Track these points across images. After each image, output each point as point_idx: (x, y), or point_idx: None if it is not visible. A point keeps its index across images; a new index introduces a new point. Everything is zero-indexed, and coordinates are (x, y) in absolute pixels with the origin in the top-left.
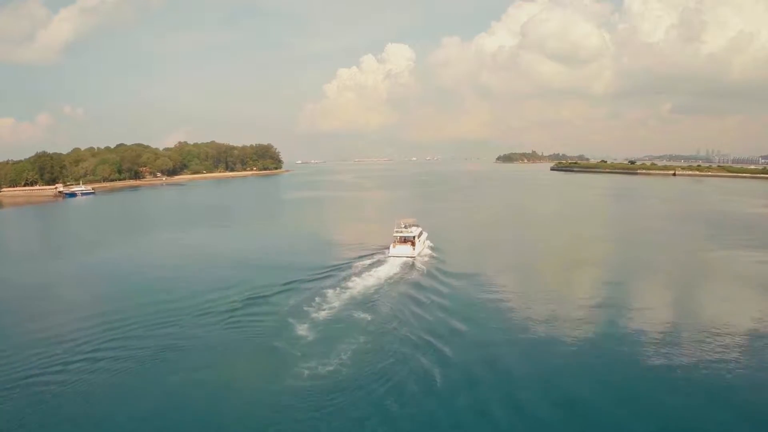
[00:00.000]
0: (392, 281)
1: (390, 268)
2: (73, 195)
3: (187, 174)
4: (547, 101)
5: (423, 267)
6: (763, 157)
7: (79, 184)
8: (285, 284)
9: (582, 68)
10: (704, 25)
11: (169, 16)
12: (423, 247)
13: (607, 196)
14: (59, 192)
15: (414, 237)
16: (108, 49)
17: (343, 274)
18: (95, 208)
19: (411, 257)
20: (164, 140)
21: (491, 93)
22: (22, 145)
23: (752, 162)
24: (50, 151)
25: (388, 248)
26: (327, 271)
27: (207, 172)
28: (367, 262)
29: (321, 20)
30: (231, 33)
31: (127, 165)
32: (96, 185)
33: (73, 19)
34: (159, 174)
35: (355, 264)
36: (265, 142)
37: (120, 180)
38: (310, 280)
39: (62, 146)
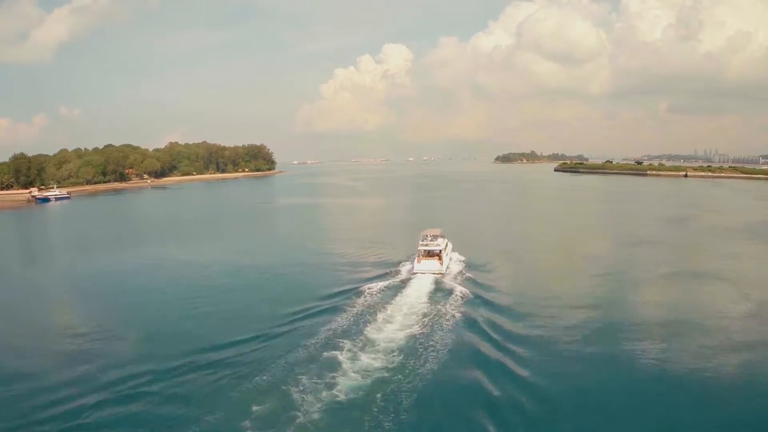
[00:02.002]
0: (426, 304)
1: (417, 287)
2: (46, 200)
3: (176, 176)
4: (544, 101)
5: (457, 285)
6: (763, 157)
7: (53, 188)
8: (289, 319)
9: (579, 68)
10: (701, 25)
11: (166, 16)
12: (450, 261)
13: (639, 201)
14: (32, 196)
15: (440, 250)
16: (103, 49)
17: (362, 300)
18: (64, 215)
19: (439, 273)
20: (160, 141)
21: (488, 93)
22: (19, 146)
23: (752, 162)
24: (45, 152)
25: (412, 263)
26: (340, 298)
27: (197, 174)
28: (388, 281)
29: (319, 20)
30: (227, 33)
31: (112, 167)
32: (78, 188)
33: (67, 18)
34: (146, 176)
35: (374, 284)
36: (261, 143)
37: (104, 182)
38: (318, 312)
39: (58, 147)
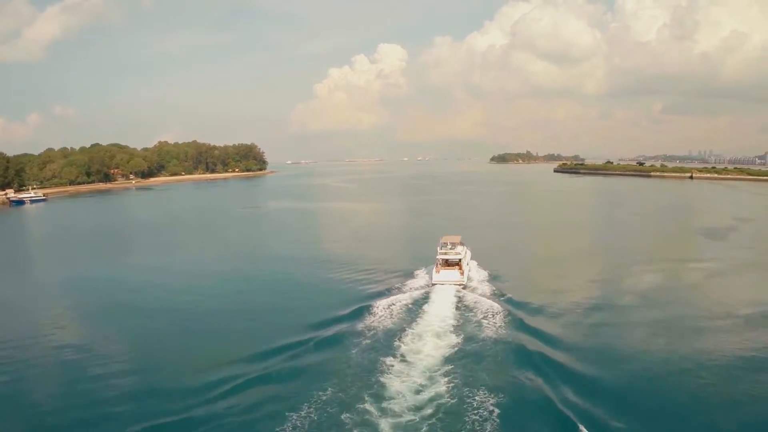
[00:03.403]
0: (454, 321)
1: (439, 301)
2: (20, 202)
3: (164, 176)
4: (539, 101)
5: (483, 299)
6: (759, 158)
7: (28, 189)
8: (289, 354)
9: (574, 68)
10: (697, 25)
11: (159, 16)
12: (469, 270)
13: (662, 207)
14: (7, 199)
15: (460, 259)
16: (97, 48)
17: (377, 320)
18: (35, 219)
19: (460, 284)
20: (155, 141)
21: (483, 93)
22: (13, 146)
23: (748, 162)
24: (36, 152)
25: (429, 274)
26: (349, 322)
27: (186, 174)
28: (402, 296)
29: (314, 20)
30: (222, 33)
31: (96, 167)
32: (59, 189)
33: (60, 17)
34: (132, 176)
35: (386, 300)
36: (255, 142)
37: (88, 183)
38: (326, 340)
39: (52, 147)
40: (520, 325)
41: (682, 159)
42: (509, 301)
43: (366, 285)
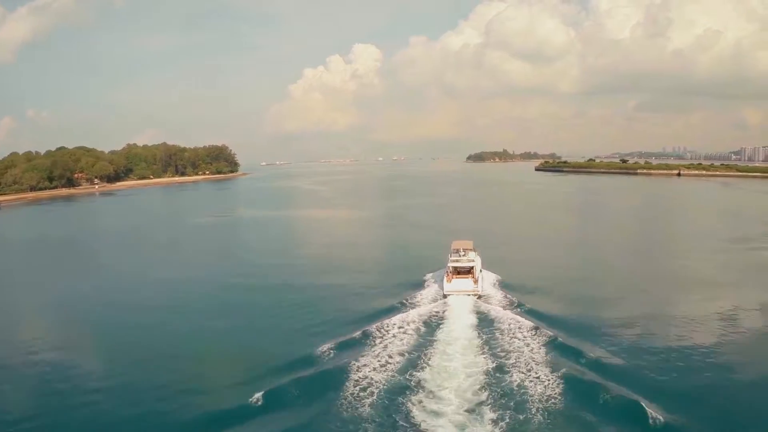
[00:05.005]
0: (478, 338)
1: (454, 314)
2: None
3: (132, 179)
4: (513, 100)
5: (504, 310)
6: (735, 153)
7: None
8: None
9: (548, 66)
10: (670, 23)
11: (132, 17)
12: (482, 278)
13: (667, 206)
14: None
15: (473, 267)
16: (70, 49)
17: (390, 341)
18: None
19: (475, 293)
20: (128, 144)
21: (457, 92)
22: None
23: (724, 158)
24: None
25: (439, 283)
26: (356, 348)
27: (154, 177)
28: (411, 311)
29: (288, 21)
30: (195, 34)
31: (59, 171)
32: (17, 196)
33: (30, 18)
34: (97, 181)
35: (396, 317)
36: (230, 144)
37: (50, 189)
38: (327, 372)
39: (29, 151)
40: (560, 346)
41: (658, 156)
42: (531, 312)
43: (364, 303)
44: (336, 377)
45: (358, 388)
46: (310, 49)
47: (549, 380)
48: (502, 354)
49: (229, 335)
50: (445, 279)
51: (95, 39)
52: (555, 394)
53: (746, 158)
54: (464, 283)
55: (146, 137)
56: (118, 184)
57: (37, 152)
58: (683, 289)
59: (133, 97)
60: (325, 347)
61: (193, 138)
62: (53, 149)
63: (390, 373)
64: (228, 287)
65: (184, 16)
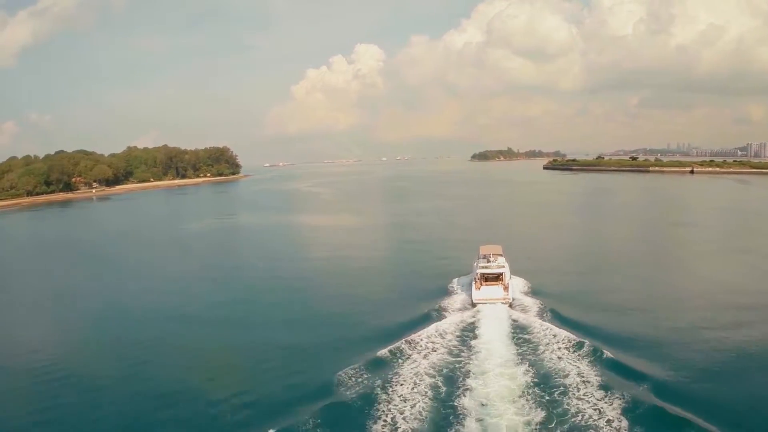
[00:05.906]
0: (517, 352)
1: (485, 325)
2: None
3: (132, 182)
4: (515, 98)
5: (539, 320)
6: (740, 149)
7: None
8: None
9: (550, 64)
10: (673, 19)
11: (132, 20)
12: (511, 286)
13: (705, 206)
14: None
15: (503, 273)
16: (70, 53)
17: (422, 357)
18: None
19: (505, 302)
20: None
21: (460, 91)
22: None
23: (730, 154)
24: None
25: (468, 292)
26: (384, 369)
27: (155, 180)
28: (438, 322)
29: (290, 22)
30: (196, 36)
31: (56, 175)
32: (14, 201)
33: (30, 22)
34: (95, 184)
35: (424, 330)
36: (232, 146)
37: (48, 193)
38: (360, 397)
39: (31, 155)
40: (607, 362)
41: (663, 152)
42: (565, 321)
43: (387, 316)
44: (362, 407)
45: (389, 418)
46: (311, 49)
47: (604, 403)
48: (546, 372)
49: (239, 354)
50: (473, 286)
51: (96, 42)
52: (613, 417)
53: (752, 154)
54: (494, 290)
55: (147, 140)
56: (117, 187)
57: (36, 156)
58: (733, 297)
59: (134, 100)
60: (348, 369)
61: (194, 140)
62: (54, 153)
63: (426, 403)
64: (235, 299)
65: (184, 18)
